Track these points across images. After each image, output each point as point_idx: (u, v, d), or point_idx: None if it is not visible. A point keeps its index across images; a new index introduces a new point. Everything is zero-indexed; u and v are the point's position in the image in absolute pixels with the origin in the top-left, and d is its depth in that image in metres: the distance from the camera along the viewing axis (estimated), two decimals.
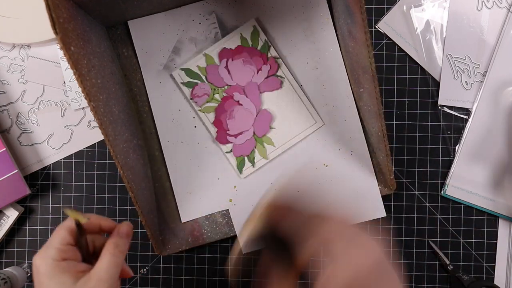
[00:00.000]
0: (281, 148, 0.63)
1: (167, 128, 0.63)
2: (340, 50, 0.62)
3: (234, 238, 0.63)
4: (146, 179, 0.60)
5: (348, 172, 0.63)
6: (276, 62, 0.62)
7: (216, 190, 0.63)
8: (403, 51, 0.64)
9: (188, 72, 0.62)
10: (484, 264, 0.64)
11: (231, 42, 0.62)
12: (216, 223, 0.63)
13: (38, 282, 0.38)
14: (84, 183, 0.65)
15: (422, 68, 0.64)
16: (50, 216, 0.65)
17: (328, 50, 0.62)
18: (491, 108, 0.63)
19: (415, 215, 0.64)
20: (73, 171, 0.65)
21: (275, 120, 0.63)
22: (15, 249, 0.65)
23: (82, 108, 0.64)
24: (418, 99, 0.64)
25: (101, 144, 0.65)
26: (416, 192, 0.64)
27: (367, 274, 0.35)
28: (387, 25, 0.64)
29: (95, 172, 0.65)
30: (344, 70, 0.62)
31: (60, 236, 0.39)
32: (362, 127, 0.62)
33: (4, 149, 0.62)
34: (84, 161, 0.65)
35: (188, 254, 0.65)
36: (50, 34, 0.61)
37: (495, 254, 0.63)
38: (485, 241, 0.64)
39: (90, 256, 0.42)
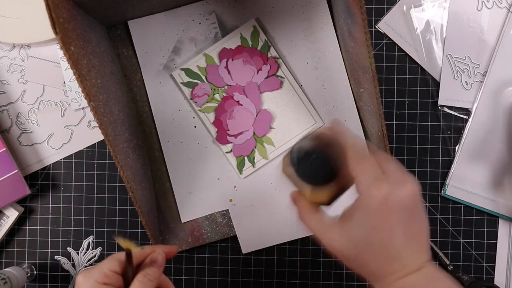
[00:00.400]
0: (281, 148, 0.63)
1: (167, 128, 0.63)
2: (340, 50, 0.62)
3: (234, 238, 0.63)
4: (146, 179, 0.60)
5: None
6: (276, 62, 0.62)
7: (216, 190, 0.63)
8: (403, 51, 0.64)
9: (188, 72, 0.62)
10: (484, 264, 0.64)
11: (231, 42, 0.62)
12: (216, 223, 0.63)
13: None
14: (84, 183, 0.65)
15: (422, 68, 0.64)
16: (50, 216, 0.65)
17: (328, 50, 0.63)
18: (491, 108, 0.63)
19: None
20: (73, 171, 0.65)
21: (275, 120, 0.63)
22: (15, 249, 0.65)
23: (82, 108, 0.64)
24: (418, 99, 0.64)
25: (101, 144, 0.65)
26: None
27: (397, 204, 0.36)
28: (387, 25, 0.64)
29: (95, 172, 0.65)
30: (344, 70, 0.62)
31: (110, 262, 0.41)
32: (362, 127, 0.62)
33: (4, 149, 0.62)
34: (84, 161, 0.65)
35: (188, 254, 0.65)
36: (50, 34, 0.61)
37: (495, 254, 0.63)
38: (485, 241, 0.64)
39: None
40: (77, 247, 0.65)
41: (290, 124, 0.63)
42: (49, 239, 0.65)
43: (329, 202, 0.42)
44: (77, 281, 0.41)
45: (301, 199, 0.42)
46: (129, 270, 0.41)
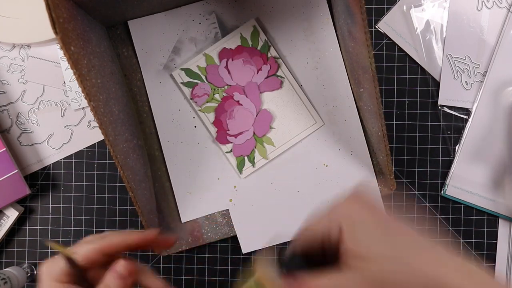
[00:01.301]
0: (281, 148, 0.63)
1: (167, 128, 0.63)
2: (340, 50, 0.62)
3: (234, 238, 0.63)
4: (146, 179, 0.60)
5: (348, 172, 0.63)
6: (276, 62, 0.62)
7: (216, 190, 0.63)
8: (403, 51, 0.64)
9: (188, 72, 0.62)
10: (484, 264, 0.64)
11: (231, 42, 0.62)
12: (216, 223, 0.63)
13: None
14: (84, 183, 0.65)
15: (422, 68, 0.64)
16: (50, 216, 0.65)
17: (328, 50, 0.63)
18: (491, 108, 0.63)
19: (415, 215, 0.64)
20: (73, 171, 0.65)
21: (275, 120, 0.63)
22: (15, 249, 0.65)
23: (82, 108, 0.64)
24: (418, 99, 0.64)
25: (101, 144, 0.65)
26: (416, 192, 0.64)
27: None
28: (387, 25, 0.64)
29: (95, 172, 0.65)
30: (344, 70, 0.62)
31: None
32: (362, 127, 0.62)
33: (4, 149, 0.62)
34: (84, 161, 0.65)
35: (188, 254, 0.65)
36: (50, 34, 0.61)
37: (495, 254, 0.63)
38: (485, 241, 0.64)
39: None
40: None
41: (290, 124, 0.63)
42: (49, 239, 0.65)
43: None
44: (41, 272, 0.37)
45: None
46: (76, 273, 0.36)
